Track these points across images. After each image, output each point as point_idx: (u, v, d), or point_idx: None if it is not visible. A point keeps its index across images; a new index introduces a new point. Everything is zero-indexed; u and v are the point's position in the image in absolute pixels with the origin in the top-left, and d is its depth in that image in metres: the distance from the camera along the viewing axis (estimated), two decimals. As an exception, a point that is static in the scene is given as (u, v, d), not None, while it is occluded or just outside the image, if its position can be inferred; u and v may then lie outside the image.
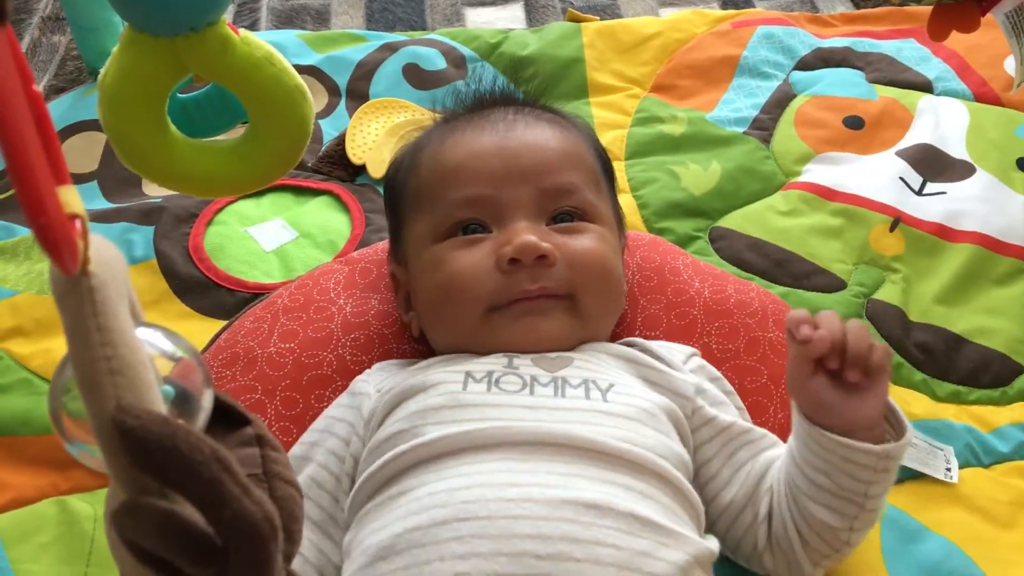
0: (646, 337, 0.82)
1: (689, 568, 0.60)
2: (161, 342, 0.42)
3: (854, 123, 1.21)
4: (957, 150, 1.17)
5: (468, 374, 0.68)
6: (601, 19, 1.41)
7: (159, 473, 0.38)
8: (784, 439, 0.71)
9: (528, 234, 0.71)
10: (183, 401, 0.42)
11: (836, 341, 0.62)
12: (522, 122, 0.79)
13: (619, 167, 1.13)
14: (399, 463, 0.64)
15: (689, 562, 0.60)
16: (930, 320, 0.98)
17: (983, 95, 1.26)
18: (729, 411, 0.73)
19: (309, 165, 1.15)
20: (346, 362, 0.81)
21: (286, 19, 1.53)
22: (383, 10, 1.55)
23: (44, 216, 0.33)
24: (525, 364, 0.70)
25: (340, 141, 1.17)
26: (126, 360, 0.37)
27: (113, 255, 0.40)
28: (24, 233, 1.04)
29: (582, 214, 0.76)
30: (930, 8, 0.96)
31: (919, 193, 1.11)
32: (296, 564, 0.64)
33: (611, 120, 1.23)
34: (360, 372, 0.77)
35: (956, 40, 1.00)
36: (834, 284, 1.01)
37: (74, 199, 0.36)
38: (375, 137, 1.18)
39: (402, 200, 0.81)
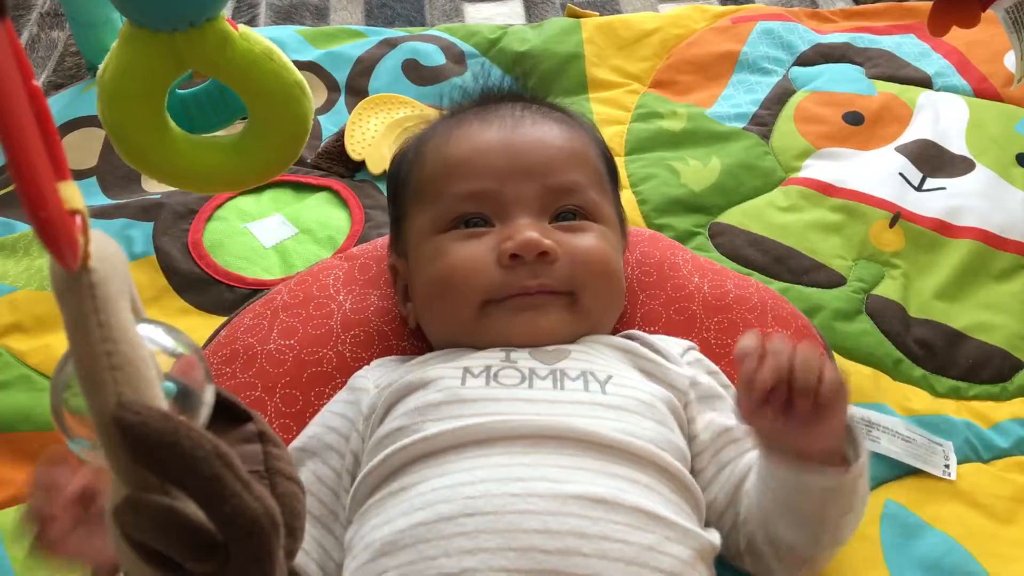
0: (646, 332, 0.82)
1: (693, 562, 0.60)
2: (162, 338, 0.42)
3: (854, 119, 1.21)
4: (957, 146, 1.17)
5: (466, 369, 0.68)
6: (600, 15, 1.41)
7: (160, 469, 0.38)
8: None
9: (530, 230, 0.71)
10: (184, 397, 0.42)
11: (782, 375, 0.58)
12: (529, 119, 0.79)
13: (619, 163, 1.13)
14: (400, 458, 0.64)
15: (693, 556, 0.60)
16: (930, 316, 0.98)
17: (983, 91, 1.26)
18: (725, 405, 0.73)
19: (308, 161, 1.15)
20: (346, 359, 0.81)
21: (285, 15, 1.52)
22: (382, 6, 1.55)
23: (44, 212, 0.33)
24: (523, 357, 0.70)
25: (339, 137, 1.17)
26: (127, 356, 0.37)
27: (113, 251, 0.39)
28: (24, 229, 1.04)
29: (585, 213, 0.76)
30: (930, 3, 0.96)
31: (919, 189, 1.11)
32: (299, 560, 0.64)
33: (610, 116, 1.23)
34: (360, 369, 0.77)
35: (956, 36, 1.00)
36: (834, 280, 1.01)
37: (74, 195, 0.36)
38: (374, 133, 1.18)
39: (405, 191, 0.81)
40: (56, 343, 0.91)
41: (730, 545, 0.69)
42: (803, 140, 1.18)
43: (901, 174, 1.12)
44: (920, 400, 0.90)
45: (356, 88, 1.26)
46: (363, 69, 1.28)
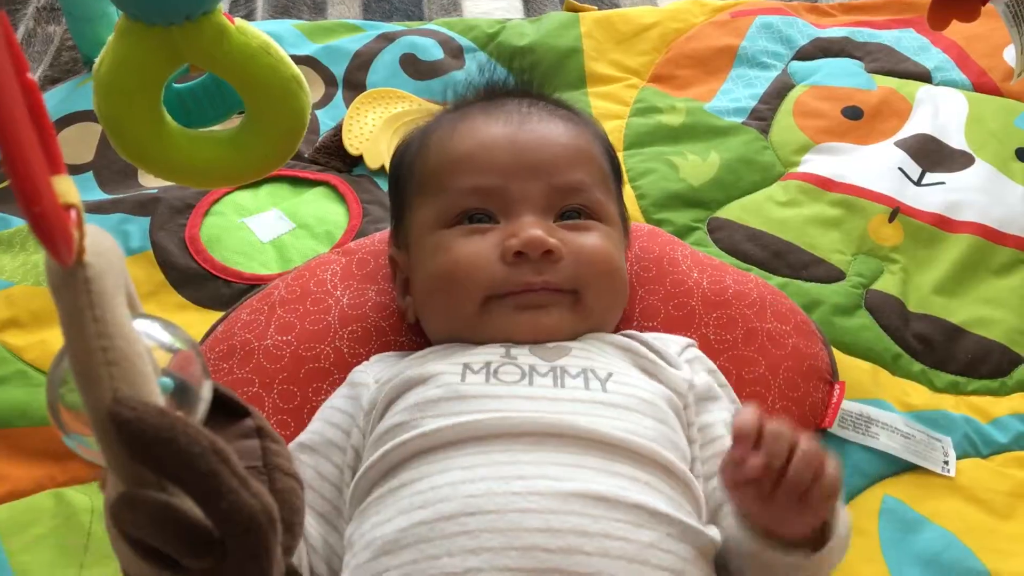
0: (644, 327, 0.82)
1: (695, 559, 0.60)
2: (159, 333, 0.42)
3: (853, 113, 1.21)
4: (956, 140, 1.17)
5: (466, 366, 0.68)
6: (599, 9, 1.41)
7: (156, 465, 0.38)
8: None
9: (536, 229, 0.71)
10: (181, 392, 0.42)
11: (774, 468, 0.54)
12: (536, 116, 0.78)
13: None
14: (399, 454, 0.63)
15: (695, 553, 0.60)
16: (929, 310, 0.98)
17: (982, 85, 1.26)
18: (723, 405, 0.73)
19: (306, 155, 1.14)
20: (343, 354, 0.80)
21: (282, 9, 1.52)
22: (380, 0, 1.54)
23: (39, 206, 0.33)
24: (523, 354, 0.70)
25: (337, 131, 1.17)
26: (123, 351, 0.37)
27: (109, 246, 0.39)
28: (19, 224, 1.03)
29: (590, 212, 0.76)
30: (930, -3, 0.96)
31: (918, 183, 1.11)
32: (306, 557, 0.64)
33: (609, 111, 1.22)
34: (358, 365, 0.77)
35: (955, 30, 0.99)
36: (833, 274, 1.00)
37: (69, 189, 0.35)
38: (372, 127, 1.17)
39: (408, 184, 0.80)
40: (52, 339, 0.91)
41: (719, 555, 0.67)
42: (802, 135, 1.18)
43: (900, 169, 1.12)
44: (919, 395, 0.90)
45: (354, 82, 1.25)
46: (361, 63, 1.27)
